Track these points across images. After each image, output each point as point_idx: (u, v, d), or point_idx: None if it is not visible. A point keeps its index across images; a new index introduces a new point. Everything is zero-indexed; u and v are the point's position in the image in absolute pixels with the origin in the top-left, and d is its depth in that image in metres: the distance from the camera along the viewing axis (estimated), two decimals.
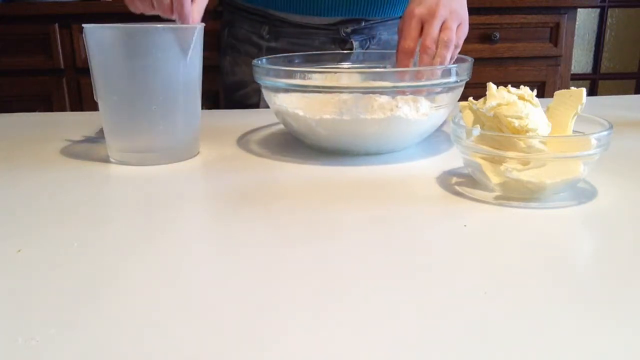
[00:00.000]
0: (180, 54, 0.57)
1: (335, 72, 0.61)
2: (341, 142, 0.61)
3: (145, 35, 0.56)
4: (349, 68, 0.75)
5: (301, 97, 0.63)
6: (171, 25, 0.57)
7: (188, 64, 0.58)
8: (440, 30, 0.65)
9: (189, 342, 0.28)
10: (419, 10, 0.65)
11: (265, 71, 0.62)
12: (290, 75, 0.60)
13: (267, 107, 0.89)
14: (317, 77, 0.60)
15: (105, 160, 0.61)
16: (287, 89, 0.62)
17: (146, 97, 0.57)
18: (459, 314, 0.31)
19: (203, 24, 0.60)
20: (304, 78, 0.60)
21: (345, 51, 0.84)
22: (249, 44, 0.92)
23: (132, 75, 0.56)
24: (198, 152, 0.63)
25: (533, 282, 0.34)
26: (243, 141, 0.68)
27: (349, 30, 0.86)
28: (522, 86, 0.50)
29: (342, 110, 0.58)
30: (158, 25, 0.56)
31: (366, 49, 0.90)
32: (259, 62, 0.67)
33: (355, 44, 0.87)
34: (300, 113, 0.60)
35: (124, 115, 0.58)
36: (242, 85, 0.95)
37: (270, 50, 0.87)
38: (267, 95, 0.64)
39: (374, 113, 0.58)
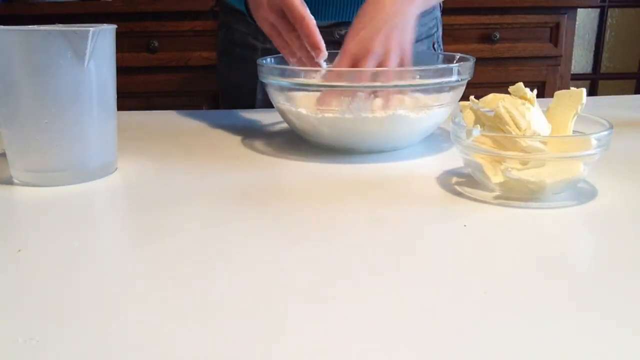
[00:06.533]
0: (73, 60, 0.49)
1: (339, 71, 0.61)
2: (343, 140, 0.61)
3: (27, 39, 0.49)
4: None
5: (304, 95, 0.63)
6: (60, 28, 0.49)
7: (87, 71, 0.50)
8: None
9: (189, 342, 0.28)
10: (351, 47, 0.60)
11: (269, 70, 0.63)
12: (293, 74, 0.61)
13: (263, 108, 0.90)
14: (320, 76, 0.60)
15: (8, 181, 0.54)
16: (290, 88, 0.62)
17: (37, 110, 0.50)
18: (459, 314, 0.31)
19: (113, 26, 0.53)
20: (307, 77, 0.60)
21: None
22: (245, 45, 0.92)
23: (20, 85, 0.50)
24: (116, 169, 0.57)
25: (533, 282, 0.34)
26: (247, 140, 0.68)
27: (343, 32, 0.86)
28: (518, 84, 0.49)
29: (344, 108, 0.59)
30: (42, 28, 0.49)
31: None
32: (263, 61, 0.67)
33: None
34: (304, 111, 0.60)
35: (19, 129, 0.51)
36: (238, 87, 0.95)
37: (266, 52, 0.87)
38: (271, 93, 0.65)
39: (376, 111, 0.58)
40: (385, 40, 0.61)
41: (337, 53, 0.65)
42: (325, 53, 0.62)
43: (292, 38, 0.63)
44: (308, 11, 0.61)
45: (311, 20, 0.61)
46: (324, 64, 0.64)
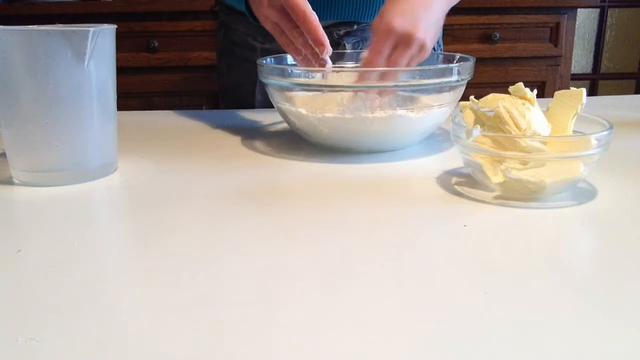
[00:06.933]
0: (73, 60, 0.49)
1: (338, 71, 0.61)
2: (343, 140, 0.61)
3: (27, 39, 0.48)
4: (351, 67, 0.75)
5: (305, 95, 0.63)
6: (60, 28, 0.49)
7: (87, 71, 0.51)
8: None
9: (190, 342, 0.28)
10: (399, 24, 0.59)
11: (269, 70, 0.63)
12: (293, 74, 0.61)
13: (263, 108, 0.90)
14: (320, 76, 0.60)
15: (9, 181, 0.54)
16: (290, 88, 0.62)
17: (37, 110, 0.50)
18: (459, 314, 0.31)
19: (113, 26, 0.53)
20: (307, 77, 0.60)
21: (348, 50, 0.84)
22: (244, 46, 0.92)
23: (20, 85, 0.50)
24: (116, 169, 0.57)
25: (533, 282, 0.34)
26: (247, 140, 0.68)
27: (341, 32, 0.86)
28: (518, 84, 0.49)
29: (344, 108, 0.59)
30: (42, 28, 0.49)
31: (359, 50, 0.89)
32: (263, 61, 0.67)
33: (348, 45, 0.87)
34: (303, 111, 0.60)
35: (20, 129, 0.51)
36: (237, 87, 0.95)
37: (265, 52, 0.87)
38: (271, 94, 0.65)
39: (376, 111, 0.58)
40: (429, 23, 0.60)
41: (337, 53, 0.65)
42: (329, 49, 0.61)
43: (295, 35, 0.63)
44: (310, 7, 0.61)
45: (313, 16, 0.60)
46: (329, 61, 0.63)
